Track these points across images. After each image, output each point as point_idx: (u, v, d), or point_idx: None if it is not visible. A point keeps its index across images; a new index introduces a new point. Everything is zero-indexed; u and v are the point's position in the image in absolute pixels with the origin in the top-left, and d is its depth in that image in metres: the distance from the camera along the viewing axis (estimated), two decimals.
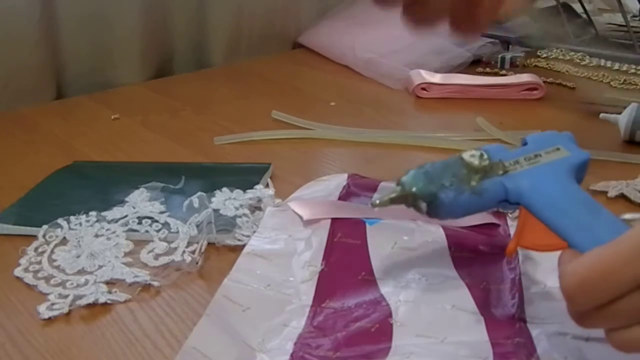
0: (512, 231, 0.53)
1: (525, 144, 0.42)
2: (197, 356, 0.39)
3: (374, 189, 0.60)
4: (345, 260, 0.49)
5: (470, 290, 0.45)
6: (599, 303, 0.32)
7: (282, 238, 0.52)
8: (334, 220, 0.53)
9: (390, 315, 0.43)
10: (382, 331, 0.41)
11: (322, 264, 0.49)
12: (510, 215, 0.55)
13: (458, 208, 0.39)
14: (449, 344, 0.40)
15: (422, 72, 0.94)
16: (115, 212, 0.57)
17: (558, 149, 0.41)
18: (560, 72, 1.03)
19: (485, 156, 0.40)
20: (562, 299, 0.43)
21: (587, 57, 1.08)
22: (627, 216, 0.39)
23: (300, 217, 0.54)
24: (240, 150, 0.75)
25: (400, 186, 0.40)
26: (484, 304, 0.44)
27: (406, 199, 0.40)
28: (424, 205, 0.40)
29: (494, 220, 0.54)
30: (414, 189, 0.40)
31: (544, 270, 0.47)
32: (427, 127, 0.83)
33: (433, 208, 0.39)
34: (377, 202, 0.40)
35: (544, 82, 0.93)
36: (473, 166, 0.39)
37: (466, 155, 0.40)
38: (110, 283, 0.49)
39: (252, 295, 0.45)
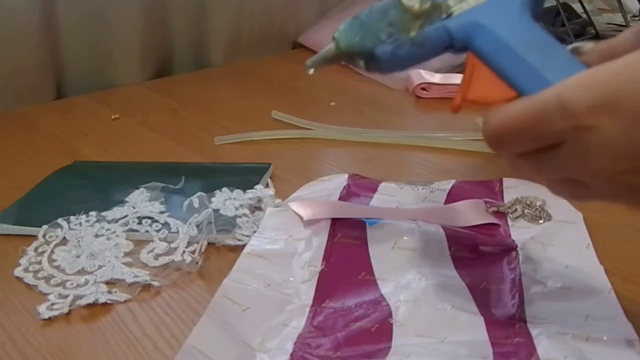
0: (512, 231, 0.53)
1: None
2: (197, 356, 0.39)
3: (374, 189, 0.60)
4: (345, 260, 0.49)
5: (470, 290, 0.45)
6: (514, 151, 0.34)
7: (282, 238, 0.52)
8: (334, 220, 0.53)
9: (390, 315, 0.43)
10: (382, 331, 0.41)
11: (322, 264, 0.49)
12: (511, 216, 0.55)
13: (398, 61, 0.36)
14: (449, 344, 0.40)
15: (422, 72, 0.94)
16: (115, 212, 0.57)
17: None
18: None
19: None
20: (562, 299, 0.44)
21: None
22: (574, 44, 0.37)
23: (301, 217, 0.54)
24: (240, 150, 0.75)
25: (334, 43, 0.36)
26: (484, 304, 0.44)
27: (341, 57, 0.37)
28: (361, 62, 0.37)
29: (494, 220, 0.54)
30: (347, 46, 0.36)
31: (544, 270, 0.47)
32: (427, 127, 0.83)
33: (372, 64, 0.36)
34: (310, 62, 0.37)
35: None
36: (413, 11, 0.35)
37: (404, 0, 0.36)
38: (110, 283, 0.49)
39: (252, 295, 0.45)
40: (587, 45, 0.36)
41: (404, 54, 0.36)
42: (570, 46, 0.36)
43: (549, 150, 0.33)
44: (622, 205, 0.35)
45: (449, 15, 0.35)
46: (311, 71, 0.38)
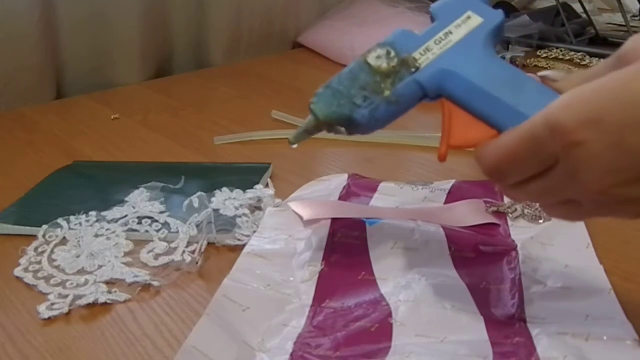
0: (512, 231, 0.53)
1: (432, 18, 0.37)
2: (197, 355, 0.39)
3: (374, 189, 0.60)
4: (345, 260, 0.49)
5: (470, 290, 0.45)
6: (512, 181, 0.36)
7: (282, 238, 0.52)
8: (334, 220, 0.53)
9: (390, 315, 0.43)
10: (382, 331, 0.41)
11: (322, 264, 0.49)
12: (511, 216, 0.55)
13: (377, 122, 0.37)
14: (449, 344, 0.40)
15: None
16: (115, 212, 0.57)
17: (469, 17, 0.37)
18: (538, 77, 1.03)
19: (393, 53, 0.36)
20: (562, 299, 0.44)
21: (587, 57, 1.08)
22: (544, 73, 0.37)
23: (301, 218, 0.54)
24: (240, 150, 0.75)
25: (312, 114, 0.37)
26: (484, 304, 0.44)
27: (321, 127, 0.37)
28: (342, 130, 0.37)
29: (494, 220, 0.54)
30: (325, 117, 0.37)
31: (544, 270, 0.47)
32: (427, 127, 0.82)
33: (352, 129, 0.37)
34: (292, 137, 0.37)
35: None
36: (382, 70, 0.36)
37: (372, 59, 0.37)
38: (110, 283, 0.49)
39: (252, 295, 0.45)
40: (558, 75, 0.37)
41: (381, 114, 0.36)
42: (540, 74, 0.36)
43: (543, 176, 0.34)
44: (616, 218, 0.35)
45: (417, 69, 0.36)
46: (295, 146, 0.38)
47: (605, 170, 0.31)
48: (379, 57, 0.36)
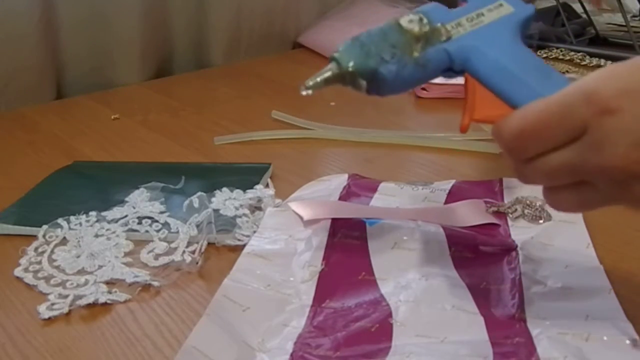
0: (512, 231, 0.53)
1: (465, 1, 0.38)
2: (197, 355, 0.39)
3: (374, 189, 0.60)
4: (345, 260, 0.49)
5: (470, 290, 0.45)
6: (533, 153, 0.34)
7: (282, 238, 0.52)
8: (334, 220, 0.53)
9: (390, 315, 0.43)
10: (382, 331, 0.41)
11: (322, 264, 0.49)
12: (511, 216, 0.55)
13: (401, 82, 0.36)
14: (449, 344, 0.40)
15: None
16: (115, 212, 0.57)
17: (501, 4, 0.37)
18: (560, 72, 1.03)
19: (425, 20, 0.36)
20: (562, 299, 0.44)
21: (587, 57, 1.08)
22: (572, 76, 0.38)
23: (301, 218, 0.54)
24: (240, 150, 0.75)
25: (334, 62, 0.35)
26: (484, 304, 0.44)
27: (343, 77, 0.36)
28: (363, 83, 0.36)
29: (494, 220, 0.54)
30: (350, 66, 0.35)
31: (544, 270, 0.47)
32: (427, 127, 0.83)
33: (374, 85, 0.35)
34: (309, 83, 0.35)
35: None
36: (413, 33, 0.35)
37: (404, 22, 0.36)
38: (110, 283, 0.49)
39: (252, 295, 0.45)
40: None
41: (407, 74, 0.35)
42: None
43: (566, 147, 0.34)
44: (626, 204, 0.35)
45: (448, 39, 0.36)
46: (308, 92, 0.36)
47: (634, 143, 0.31)
48: (411, 21, 0.36)
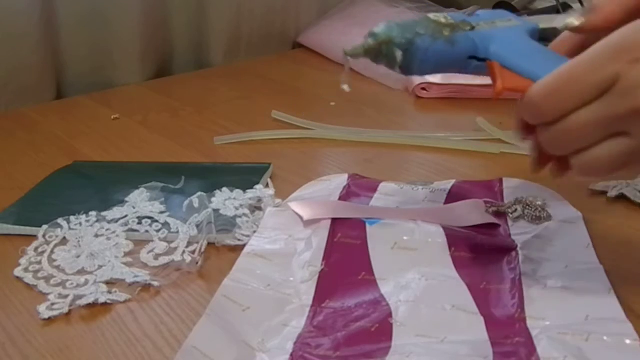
0: (512, 231, 0.53)
1: (473, 14, 0.42)
2: (197, 355, 0.39)
3: (374, 189, 0.60)
4: (345, 260, 0.49)
5: (470, 290, 0.45)
6: (564, 110, 0.35)
7: (282, 238, 0.52)
8: (334, 220, 0.53)
9: (390, 315, 0.43)
10: (382, 331, 0.41)
11: (322, 264, 0.49)
12: (511, 216, 0.55)
13: (433, 57, 0.39)
14: (449, 344, 0.40)
15: None
16: (115, 212, 0.57)
17: (510, 20, 0.41)
18: None
19: (450, 18, 0.40)
20: (563, 299, 0.44)
21: None
22: (565, 22, 0.40)
23: (301, 218, 0.54)
24: (240, 150, 0.75)
25: (373, 37, 0.38)
26: (484, 304, 0.44)
27: (380, 47, 0.39)
28: (399, 54, 0.39)
29: (494, 220, 0.54)
30: (390, 36, 0.38)
31: (544, 270, 0.47)
32: (427, 127, 0.83)
33: (408, 56, 0.39)
34: (350, 50, 0.38)
35: None
36: (441, 22, 0.39)
37: (432, 15, 0.40)
38: (110, 283, 0.49)
39: (252, 295, 0.45)
40: (576, 21, 0.39)
41: (438, 49, 0.38)
42: (562, 26, 0.39)
43: (598, 100, 0.34)
44: None
45: (472, 28, 0.39)
46: (349, 59, 0.39)
47: None
48: (437, 16, 0.39)
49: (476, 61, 0.40)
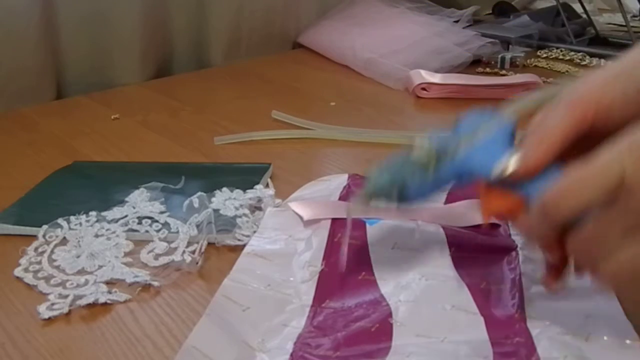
0: (512, 231, 0.53)
1: (458, 124, 0.44)
2: (197, 355, 0.39)
3: None
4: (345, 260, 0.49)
5: (470, 290, 0.45)
6: (577, 206, 0.34)
7: (282, 238, 0.52)
8: (334, 220, 0.53)
9: (390, 315, 0.43)
10: (382, 331, 0.41)
11: (322, 264, 0.49)
12: None
13: (423, 190, 0.42)
14: (449, 344, 0.40)
15: (422, 72, 0.94)
16: (115, 212, 0.57)
17: (489, 123, 0.42)
18: (560, 72, 1.03)
19: (431, 148, 0.42)
20: (563, 299, 0.43)
21: (587, 57, 1.08)
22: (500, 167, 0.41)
23: (301, 218, 0.54)
24: (240, 150, 0.75)
25: (370, 183, 0.42)
26: (484, 304, 0.44)
27: (377, 196, 0.42)
28: (395, 193, 0.42)
29: (494, 220, 0.54)
30: (381, 188, 0.42)
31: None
32: (427, 127, 0.82)
33: (403, 196, 0.42)
34: (354, 204, 0.42)
35: (544, 82, 0.93)
36: (422, 158, 0.42)
37: (414, 154, 0.42)
38: (110, 283, 0.49)
39: (252, 295, 0.45)
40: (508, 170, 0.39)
41: (426, 188, 0.42)
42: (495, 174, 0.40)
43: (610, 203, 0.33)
44: None
45: (452, 157, 0.41)
46: (353, 209, 0.44)
47: None
48: (420, 150, 0.42)
49: (462, 181, 0.43)
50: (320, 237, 0.51)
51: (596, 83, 0.39)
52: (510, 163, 0.39)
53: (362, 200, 0.43)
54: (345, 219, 0.53)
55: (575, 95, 0.39)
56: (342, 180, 0.62)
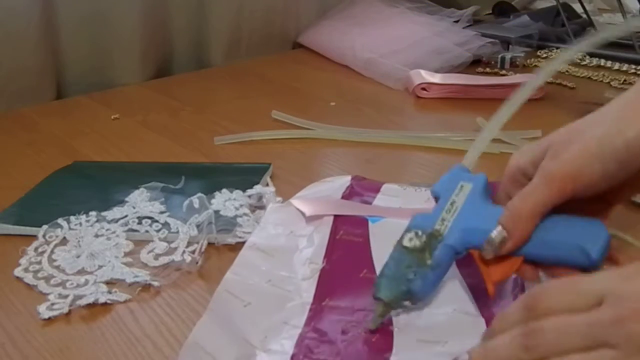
0: None
1: (436, 197, 0.46)
2: (199, 353, 0.39)
3: (377, 189, 0.60)
4: (347, 257, 0.49)
5: (471, 291, 0.45)
6: (558, 304, 0.34)
7: (283, 234, 0.52)
8: (336, 217, 0.53)
9: (390, 322, 0.43)
10: (383, 337, 0.41)
11: (323, 262, 0.49)
12: None
13: (429, 286, 0.44)
14: (450, 347, 0.40)
15: (422, 72, 0.94)
16: (115, 212, 0.57)
17: (462, 186, 0.45)
18: (560, 72, 1.03)
19: (420, 232, 0.44)
20: None
21: (587, 57, 1.08)
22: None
23: (303, 214, 0.54)
24: (240, 150, 0.75)
25: (381, 301, 0.43)
26: (485, 304, 0.44)
27: (390, 308, 0.43)
28: (407, 302, 0.43)
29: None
30: (391, 300, 0.43)
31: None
32: (427, 127, 0.83)
33: (413, 299, 0.43)
34: (372, 323, 0.42)
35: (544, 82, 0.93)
36: (417, 248, 0.43)
37: (406, 242, 0.44)
38: (110, 283, 0.49)
39: (253, 290, 0.45)
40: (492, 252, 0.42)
41: (430, 279, 0.43)
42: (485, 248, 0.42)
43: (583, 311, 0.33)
44: None
45: (442, 237, 0.43)
46: (371, 327, 0.43)
47: None
48: (410, 239, 0.44)
49: (461, 255, 0.44)
50: (322, 234, 0.51)
51: (574, 162, 0.40)
52: (498, 239, 0.41)
53: (377, 320, 0.43)
54: (347, 216, 0.53)
55: (553, 171, 0.40)
56: (344, 181, 0.62)
